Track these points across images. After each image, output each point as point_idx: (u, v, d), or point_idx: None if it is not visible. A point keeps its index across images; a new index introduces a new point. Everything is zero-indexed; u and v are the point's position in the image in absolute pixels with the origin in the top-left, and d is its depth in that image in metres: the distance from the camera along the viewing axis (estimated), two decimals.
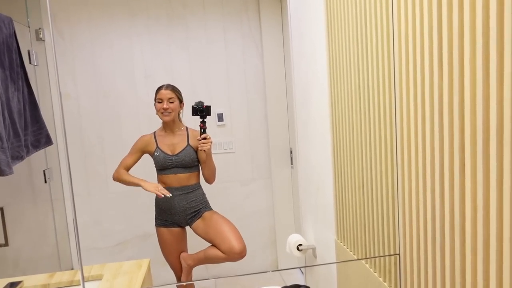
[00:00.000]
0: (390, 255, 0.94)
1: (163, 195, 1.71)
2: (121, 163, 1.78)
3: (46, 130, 1.85)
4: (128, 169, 1.77)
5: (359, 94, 1.05)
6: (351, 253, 1.22)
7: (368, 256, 1.07)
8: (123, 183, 1.79)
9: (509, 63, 0.57)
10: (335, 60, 1.20)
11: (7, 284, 1.12)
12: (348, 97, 1.12)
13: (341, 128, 1.20)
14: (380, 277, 1.04)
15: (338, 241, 1.32)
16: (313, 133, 1.51)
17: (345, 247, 1.26)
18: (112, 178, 1.79)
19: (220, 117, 2.33)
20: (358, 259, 1.13)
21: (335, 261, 1.37)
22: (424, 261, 0.84)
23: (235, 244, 1.72)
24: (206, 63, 2.27)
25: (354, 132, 1.10)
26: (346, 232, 1.24)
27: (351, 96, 1.11)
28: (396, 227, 0.93)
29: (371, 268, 1.09)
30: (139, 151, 1.78)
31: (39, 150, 1.84)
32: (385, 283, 1.02)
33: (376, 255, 1.01)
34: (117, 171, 1.77)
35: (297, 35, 1.65)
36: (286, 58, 2.28)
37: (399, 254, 0.93)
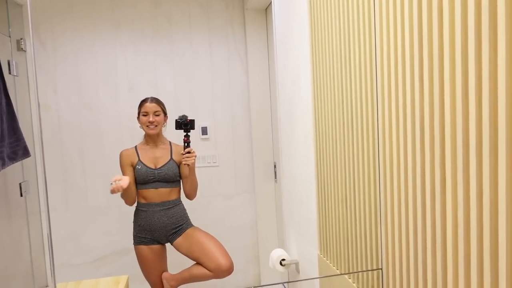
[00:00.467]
0: (373, 270, 0.94)
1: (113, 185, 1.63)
2: None
3: (24, 142, 1.80)
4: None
5: (342, 109, 1.07)
6: (334, 268, 1.21)
7: (351, 271, 1.07)
8: (128, 194, 1.74)
9: (486, 77, 0.60)
10: (319, 76, 1.22)
11: None
12: (332, 112, 1.14)
13: (324, 142, 1.21)
14: None
15: (321, 255, 1.31)
16: (297, 147, 1.52)
17: (328, 261, 1.26)
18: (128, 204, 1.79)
19: (204, 131, 2.32)
20: (341, 274, 1.12)
21: (318, 275, 1.36)
22: (406, 276, 0.84)
23: (223, 262, 1.68)
24: (191, 77, 2.28)
25: (338, 146, 1.11)
26: (329, 247, 1.23)
27: (334, 111, 1.12)
28: (379, 242, 0.93)
29: (354, 283, 1.09)
30: (129, 165, 1.76)
31: (16, 162, 1.78)
32: None
33: (359, 269, 1.01)
34: (123, 196, 1.76)
35: (282, 50, 1.67)
36: (271, 72, 2.31)
37: (381, 269, 0.93)
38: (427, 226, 0.76)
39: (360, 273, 1.01)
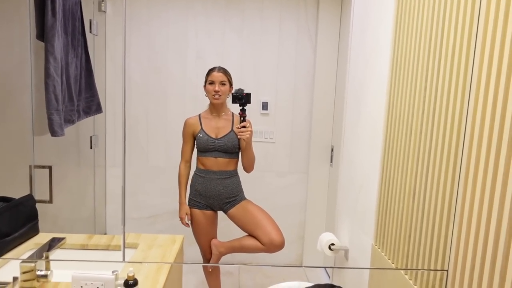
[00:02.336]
0: (437, 270, 0.89)
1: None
2: (182, 155, 1.84)
3: (98, 98, 1.91)
4: (189, 160, 1.84)
5: (424, 96, 0.99)
6: (389, 261, 1.17)
7: (410, 267, 1.02)
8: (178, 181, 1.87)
9: None
10: (400, 59, 1.14)
11: (51, 239, 1.17)
12: (410, 99, 1.07)
13: (396, 130, 1.14)
14: None
15: (376, 246, 1.27)
16: (362, 132, 1.46)
17: (383, 253, 1.22)
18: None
19: (265, 106, 2.31)
20: (398, 269, 1.08)
21: (369, 266, 1.32)
22: (477, 283, 0.79)
23: (276, 237, 1.71)
24: (258, 51, 2.26)
25: (413, 135, 1.04)
26: (387, 239, 1.19)
27: (413, 98, 1.05)
28: (448, 242, 0.87)
29: (410, 279, 1.04)
30: (191, 136, 1.81)
31: (89, 116, 1.90)
32: None
33: (420, 267, 0.96)
34: (180, 166, 1.86)
35: (358, 29, 1.59)
36: (341, 53, 2.22)
37: (447, 270, 0.88)
38: None
39: (421, 271, 0.96)
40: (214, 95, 1.75)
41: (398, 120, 1.13)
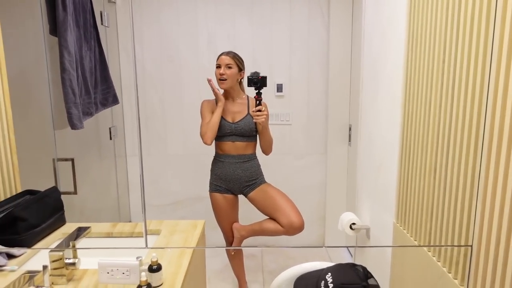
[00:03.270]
0: (461, 246, 0.87)
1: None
2: (202, 125, 1.77)
3: (114, 90, 1.93)
4: None
5: (443, 69, 0.96)
6: (411, 238, 1.15)
7: (432, 244, 1.01)
8: (213, 129, 1.73)
9: None
10: (416, 31, 1.10)
11: (76, 229, 1.21)
12: (428, 72, 1.03)
13: (415, 105, 1.11)
14: (445, 267, 0.97)
15: (398, 224, 1.26)
16: (380, 109, 1.42)
17: (405, 231, 1.20)
18: (204, 142, 1.78)
19: (279, 88, 2.29)
20: (421, 246, 1.07)
21: (391, 244, 1.31)
22: (503, 257, 0.77)
23: (295, 219, 1.72)
24: (269, 32, 2.22)
25: (431, 110, 1.01)
26: (409, 217, 1.17)
27: (431, 71, 1.01)
28: (472, 218, 0.85)
29: (434, 256, 1.02)
30: (210, 112, 1.77)
31: (107, 108, 1.92)
32: (449, 274, 0.95)
33: (444, 244, 0.95)
34: (202, 130, 1.75)
35: (372, 4, 1.53)
36: (355, 29, 2.15)
37: (471, 246, 0.86)
38: None
39: (444, 247, 0.95)
40: (220, 79, 1.73)
41: (417, 95, 1.10)
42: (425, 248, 1.06)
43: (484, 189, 0.81)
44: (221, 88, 1.76)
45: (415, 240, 1.13)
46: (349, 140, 2.26)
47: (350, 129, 2.25)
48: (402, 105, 1.20)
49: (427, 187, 1.04)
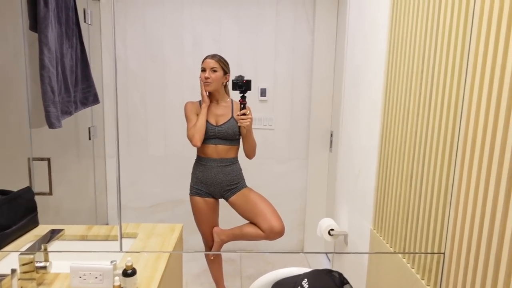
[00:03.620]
0: (434, 253, 0.89)
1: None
2: (189, 128, 1.76)
3: (95, 89, 1.90)
4: None
5: (421, 79, 0.97)
6: (387, 245, 1.17)
7: (407, 251, 1.02)
8: (200, 131, 1.72)
9: None
10: (397, 40, 1.12)
11: (49, 231, 1.18)
12: (407, 82, 1.05)
13: (394, 114, 1.13)
14: (418, 274, 0.99)
15: (374, 231, 1.27)
16: (360, 116, 1.44)
17: (381, 238, 1.22)
18: (193, 145, 1.75)
19: (263, 92, 2.29)
20: (396, 252, 1.08)
21: (368, 251, 1.32)
22: (473, 265, 0.78)
23: (275, 224, 1.72)
24: (255, 36, 2.23)
25: (409, 119, 1.03)
26: (385, 223, 1.19)
27: (410, 81, 1.03)
28: (445, 225, 0.87)
29: (408, 263, 1.04)
30: (195, 114, 1.76)
31: (87, 107, 1.89)
32: (422, 281, 0.97)
33: (417, 251, 0.96)
34: (190, 132, 1.74)
35: (355, 13, 1.56)
36: (339, 37, 2.18)
37: (444, 253, 0.87)
38: (509, 214, 0.68)
39: (418, 254, 0.96)
40: (204, 82, 1.73)
41: (396, 104, 1.12)
42: (400, 255, 1.08)
43: (456, 198, 0.83)
44: (206, 90, 1.75)
45: (391, 247, 1.14)
46: (330, 146, 2.29)
47: (331, 135, 2.27)
48: (381, 113, 1.22)
49: (403, 195, 1.06)
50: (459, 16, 0.83)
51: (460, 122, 0.82)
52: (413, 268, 1.02)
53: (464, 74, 0.81)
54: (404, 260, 1.06)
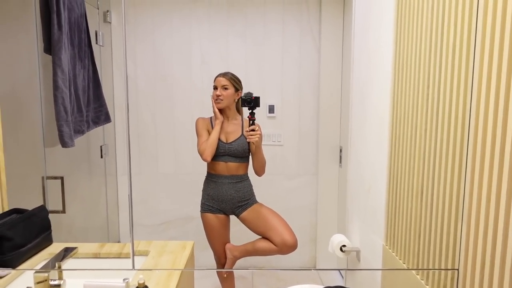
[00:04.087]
0: (448, 269, 0.88)
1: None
2: (200, 144, 1.78)
3: (106, 108, 1.94)
4: None
5: (427, 94, 0.98)
6: (400, 261, 1.16)
7: (420, 267, 1.01)
8: (212, 146, 1.74)
9: None
10: (402, 57, 1.13)
11: (63, 249, 1.19)
12: (414, 97, 1.06)
13: (401, 129, 1.13)
14: None
15: (387, 247, 1.26)
16: (369, 131, 1.45)
17: (393, 254, 1.20)
18: (204, 159, 1.77)
19: (271, 109, 2.32)
20: (409, 269, 1.07)
21: (381, 267, 1.31)
22: (488, 281, 0.77)
23: (288, 237, 1.71)
24: (262, 54, 2.27)
25: (417, 134, 1.03)
26: (397, 239, 1.18)
27: (417, 96, 1.04)
28: (458, 241, 0.86)
29: (422, 280, 1.03)
30: (206, 129, 1.79)
31: (98, 126, 1.93)
32: None
33: (431, 267, 0.95)
34: (201, 147, 1.76)
35: (360, 29, 1.58)
36: (345, 53, 2.21)
37: (458, 269, 0.86)
38: None
39: (432, 271, 0.95)
40: (216, 100, 1.76)
41: (403, 119, 1.12)
42: (413, 271, 1.07)
43: (468, 213, 0.82)
44: (217, 108, 1.78)
45: (404, 263, 1.13)
46: (340, 162, 2.28)
47: (341, 150, 2.28)
48: (389, 128, 1.22)
49: (415, 210, 1.06)
50: (462, 32, 0.84)
51: (468, 136, 0.82)
52: (427, 284, 1.00)
53: (470, 88, 0.82)
54: (418, 276, 1.05)
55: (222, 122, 1.79)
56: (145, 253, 1.34)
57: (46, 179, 1.63)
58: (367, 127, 1.47)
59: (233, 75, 1.79)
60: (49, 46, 1.55)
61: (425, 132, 0.99)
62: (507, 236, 0.71)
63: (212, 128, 1.79)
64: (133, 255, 1.12)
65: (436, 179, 0.94)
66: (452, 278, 0.88)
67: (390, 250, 1.23)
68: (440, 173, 0.93)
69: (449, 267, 0.88)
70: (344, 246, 1.55)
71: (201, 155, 1.76)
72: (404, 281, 1.12)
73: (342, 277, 2.27)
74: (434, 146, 0.95)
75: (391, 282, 1.24)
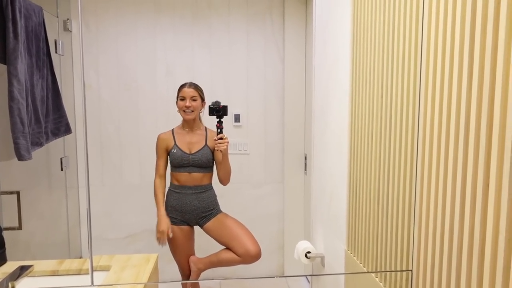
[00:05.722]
0: (402, 271, 0.92)
1: (159, 243, 1.79)
2: (157, 170, 1.82)
3: (66, 119, 1.88)
4: (164, 174, 1.83)
5: (381, 104, 1.04)
6: (361, 265, 1.20)
7: (379, 270, 1.05)
8: (156, 200, 1.84)
9: None
10: (358, 69, 1.19)
11: (18, 268, 1.14)
12: (369, 107, 1.11)
13: (359, 138, 1.18)
14: None
15: (348, 251, 1.30)
16: (330, 140, 1.50)
17: (355, 258, 1.24)
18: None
19: (237, 118, 2.34)
20: (368, 272, 1.11)
21: (343, 271, 1.34)
22: (438, 279, 0.82)
23: (251, 247, 1.72)
24: (227, 64, 2.29)
25: (373, 142, 1.08)
26: (357, 244, 1.22)
27: (372, 106, 1.09)
28: (411, 243, 0.91)
29: (381, 282, 1.07)
30: (165, 151, 1.81)
31: (58, 138, 1.87)
32: None
33: (388, 269, 0.99)
34: (155, 181, 1.83)
35: (321, 41, 1.64)
36: (308, 64, 2.27)
37: (411, 270, 0.91)
38: (464, 231, 0.73)
39: (388, 273, 0.99)
40: (185, 111, 1.76)
41: (361, 128, 1.17)
42: (373, 274, 1.11)
43: (419, 217, 0.87)
44: (187, 120, 1.78)
45: (364, 267, 1.17)
46: (305, 169, 2.33)
47: (305, 158, 2.32)
48: (348, 138, 1.27)
49: (373, 216, 1.10)
50: (410, 48, 0.90)
51: (418, 146, 0.87)
52: (385, 286, 1.04)
53: (418, 100, 0.87)
54: (377, 279, 1.09)
55: (185, 132, 1.80)
56: (106, 268, 1.30)
57: (1, 194, 1.56)
58: (328, 136, 1.52)
59: (197, 85, 1.80)
60: (4, 55, 1.50)
61: (380, 141, 1.04)
62: (452, 238, 0.76)
63: (174, 140, 1.79)
64: (92, 270, 1.09)
65: (391, 185, 0.99)
66: (407, 279, 0.93)
67: (351, 254, 1.27)
68: (394, 179, 0.98)
69: (404, 268, 0.92)
70: (309, 252, 1.57)
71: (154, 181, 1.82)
72: (365, 284, 1.16)
73: (309, 282, 2.30)
74: (388, 153, 1.00)
75: (353, 286, 1.28)
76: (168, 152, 1.80)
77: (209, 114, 1.75)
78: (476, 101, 0.69)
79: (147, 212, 2.23)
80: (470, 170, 0.70)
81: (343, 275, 1.36)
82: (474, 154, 0.70)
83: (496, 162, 0.65)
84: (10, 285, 1.01)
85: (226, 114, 1.77)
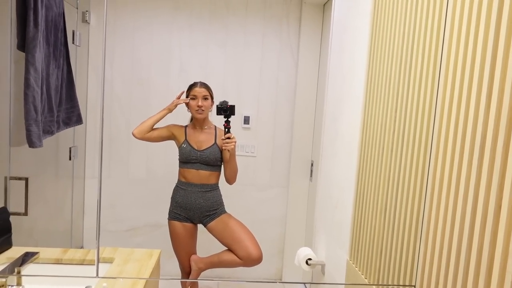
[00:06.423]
0: (405, 286, 0.92)
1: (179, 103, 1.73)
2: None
3: (78, 109, 1.90)
4: (150, 131, 1.82)
5: (395, 116, 1.04)
6: (362, 276, 1.19)
7: (381, 283, 1.05)
8: (145, 124, 1.81)
9: None
10: (374, 79, 1.19)
11: (23, 253, 1.15)
12: (383, 118, 1.11)
13: (370, 148, 1.18)
14: None
15: (351, 262, 1.30)
16: (339, 149, 1.50)
17: (357, 269, 1.24)
18: (132, 132, 1.84)
19: (246, 120, 2.34)
20: (370, 284, 1.10)
21: (344, 281, 1.34)
22: None
23: (253, 251, 1.72)
24: (241, 65, 2.29)
25: (384, 154, 1.08)
26: (360, 255, 1.21)
27: (385, 118, 1.09)
28: (416, 258, 0.90)
29: None
30: (168, 130, 1.81)
31: (69, 127, 1.88)
32: None
33: (390, 283, 0.99)
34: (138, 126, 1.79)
35: (337, 48, 1.64)
36: (321, 70, 2.27)
37: (414, 286, 0.91)
38: (472, 251, 0.72)
39: (391, 286, 0.99)
40: (197, 110, 1.77)
41: (372, 139, 1.17)
42: (374, 287, 1.10)
43: (426, 233, 0.87)
44: (198, 119, 1.79)
45: (366, 278, 1.17)
46: (311, 176, 2.33)
47: (312, 165, 2.32)
48: (358, 147, 1.27)
49: (378, 228, 1.10)
50: (429, 63, 0.90)
51: (430, 162, 0.87)
52: None
53: (433, 116, 0.87)
54: None
55: (194, 131, 1.80)
56: (110, 260, 1.31)
57: (10, 179, 1.57)
58: (338, 144, 1.52)
59: (207, 84, 1.82)
60: (23, 43, 1.52)
61: (391, 154, 1.04)
62: (459, 257, 0.76)
63: (185, 136, 1.80)
64: (98, 262, 1.10)
65: (399, 199, 0.99)
66: None
67: (353, 265, 1.27)
68: (402, 193, 0.97)
69: (407, 283, 0.92)
70: (310, 259, 1.57)
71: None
72: None
73: None
74: (399, 167, 1.00)
75: None
76: (178, 147, 1.80)
77: (217, 114, 1.77)
78: (493, 122, 0.69)
79: (150, 207, 2.24)
80: (483, 190, 0.70)
81: (344, 286, 1.36)
82: (488, 175, 0.70)
83: (510, 184, 0.65)
84: (15, 270, 1.03)
85: (233, 114, 1.79)
